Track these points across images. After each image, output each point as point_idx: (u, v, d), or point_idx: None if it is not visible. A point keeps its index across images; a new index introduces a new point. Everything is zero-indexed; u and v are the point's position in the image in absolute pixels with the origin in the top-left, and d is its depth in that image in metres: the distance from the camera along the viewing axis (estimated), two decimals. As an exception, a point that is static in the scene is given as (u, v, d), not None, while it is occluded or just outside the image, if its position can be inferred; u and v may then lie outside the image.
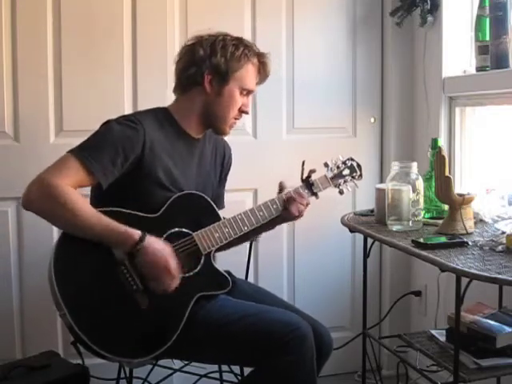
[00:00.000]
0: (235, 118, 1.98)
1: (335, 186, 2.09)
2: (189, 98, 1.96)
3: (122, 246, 1.74)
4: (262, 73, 1.99)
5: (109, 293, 1.76)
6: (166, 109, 1.98)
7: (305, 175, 2.04)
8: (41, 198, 1.72)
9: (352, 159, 2.13)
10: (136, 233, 1.74)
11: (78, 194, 1.74)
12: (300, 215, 2.00)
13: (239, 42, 1.94)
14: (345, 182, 2.10)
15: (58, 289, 1.71)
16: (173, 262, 1.77)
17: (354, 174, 2.12)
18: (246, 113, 2.01)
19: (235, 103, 1.94)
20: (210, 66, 1.89)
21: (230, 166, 2.17)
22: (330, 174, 2.08)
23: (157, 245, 1.77)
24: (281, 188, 2.02)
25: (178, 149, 1.94)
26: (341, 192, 2.11)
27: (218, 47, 1.90)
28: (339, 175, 2.10)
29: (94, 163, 1.76)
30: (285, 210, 1.98)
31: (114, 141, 1.80)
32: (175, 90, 2.00)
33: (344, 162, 2.11)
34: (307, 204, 2.00)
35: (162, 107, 1.99)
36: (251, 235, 2.06)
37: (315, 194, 2.05)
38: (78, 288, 1.74)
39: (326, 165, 2.09)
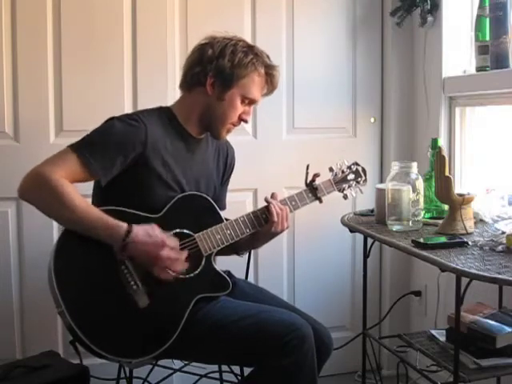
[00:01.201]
0: (233, 124, 1.96)
1: (339, 191, 2.10)
2: (191, 98, 1.95)
3: (112, 241, 1.74)
4: (269, 85, 1.96)
5: (108, 292, 1.76)
6: (168, 108, 1.98)
7: (309, 179, 2.03)
8: (35, 189, 1.73)
9: (357, 164, 2.14)
10: (123, 227, 1.73)
11: (72, 187, 1.73)
12: (278, 217, 1.93)
13: (250, 49, 1.92)
14: (349, 186, 2.11)
15: (56, 286, 1.71)
16: (166, 245, 1.75)
17: (359, 179, 2.13)
18: (246, 121, 1.98)
19: (235, 110, 1.92)
20: (215, 68, 1.88)
21: (233, 166, 2.17)
22: (334, 179, 2.08)
23: (143, 234, 1.74)
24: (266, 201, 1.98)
25: (180, 148, 1.94)
26: (345, 197, 2.11)
27: (228, 51, 1.88)
28: (344, 180, 2.10)
29: (93, 161, 1.76)
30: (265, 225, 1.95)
31: (115, 139, 1.80)
32: (180, 86, 1.99)
33: (349, 167, 2.12)
34: (286, 213, 1.96)
35: (164, 106, 1.99)
36: (248, 245, 2.05)
37: (319, 199, 2.05)
38: (78, 286, 1.74)
39: (331, 169, 2.09)
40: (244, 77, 1.90)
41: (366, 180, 2.15)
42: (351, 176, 2.11)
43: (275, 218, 1.93)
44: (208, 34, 1.94)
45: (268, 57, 1.96)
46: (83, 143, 1.79)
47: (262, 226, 1.95)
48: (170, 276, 1.79)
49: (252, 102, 1.95)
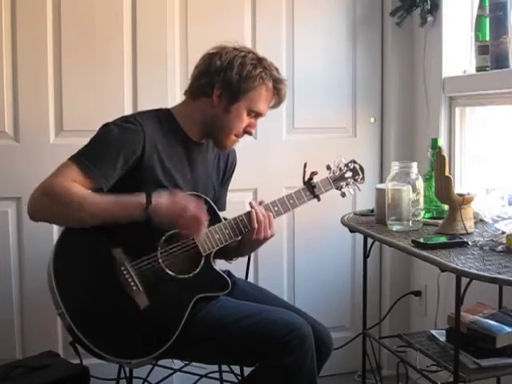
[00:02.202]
0: (237, 136, 1.95)
1: (337, 189, 2.09)
2: (195, 106, 1.94)
3: (136, 216, 1.73)
4: (276, 98, 1.95)
5: (108, 293, 1.76)
6: (168, 110, 1.97)
7: (307, 177, 2.03)
8: (45, 203, 1.72)
9: (354, 162, 2.13)
10: (141, 198, 1.73)
11: (79, 186, 1.73)
12: (263, 235, 1.91)
13: (259, 62, 1.90)
14: (347, 184, 2.10)
15: (56, 287, 1.71)
16: (188, 203, 1.75)
17: (357, 177, 2.12)
18: (250, 134, 1.97)
19: (240, 122, 1.91)
20: (223, 80, 1.87)
21: (234, 167, 2.16)
22: (332, 177, 2.07)
23: (164, 198, 1.74)
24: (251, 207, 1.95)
25: (178, 150, 1.93)
26: (343, 195, 2.11)
27: (236, 63, 1.86)
28: (341, 178, 2.09)
29: (94, 169, 1.75)
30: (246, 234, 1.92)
31: (114, 145, 1.80)
32: (185, 93, 1.98)
33: (346, 165, 2.11)
34: (269, 222, 1.92)
35: (164, 108, 1.98)
36: (244, 250, 2.04)
37: (317, 197, 2.04)
38: (77, 287, 1.74)
39: (329, 167, 2.08)
40: (251, 90, 1.88)
41: (363, 178, 2.14)
42: (349, 174, 2.10)
43: (255, 225, 1.89)
44: (218, 44, 1.92)
45: (277, 70, 1.94)
46: (83, 153, 1.79)
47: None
48: (201, 234, 1.79)
49: (258, 114, 1.94)
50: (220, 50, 1.91)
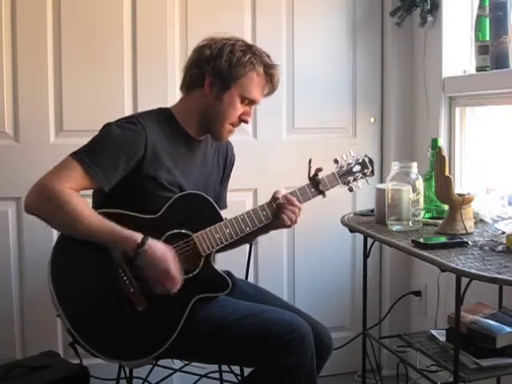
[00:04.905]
0: (233, 125, 1.94)
1: (344, 184, 2.05)
2: (190, 99, 1.94)
3: (124, 249, 1.74)
4: (269, 84, 1.93)
5: (106, 294, 1.76)
6: (168, 109, 1.97)
7: (312, 173, 1.99)
8: (41, 202, 1.72)
9: (365, 155, 2.10)
10: (137, 236, 1.74)
11: (79, 197, 1.73)
12: (292, 223, 1.95)
13: (248, 48, 1.90)
14: (355, 179, 2.06)
15: (53, 289, 1.71)
16: (173, 265, 1.76)
17: (366, 171, 2.07)
18: (246, 122, 1.95)
19: (234, 110, 1.90)
20: (213, 68, 1.86)
21: (233, 162, 2.15)
22: (339, 171, 2.03)
23: (158, 248, 1.75)
24: (274, 196, 1.96)
25: (179, 150, 1.93)
26: (350, 189, 2.07)
27: (226, 51, 1.86)
28: (349, 172, 2.05)
29: (96, 169, 1.75)
30: (276, 219, 1.94)
31: (116, 145, 1.79)
32: (181, 88, 1.98)
33: (356, 159, 2.07)
34: (299, 210, 1.95)
35: (164, 108, 1.98)
36: (248, 238, 2.03)
37: (322, 193, 1.99)
38: (75, 289, 1.74)
39: (336, 161, 2.04)
40: (242, 76, 1.87)
41: (372, 171, 2.09)
42: (357, 168, 2.06)
43: (288, 223, 1.93)
44: (208, 36, 1.94)
45: (268, 56, 1.93)
46: (84, 151, 1.78)
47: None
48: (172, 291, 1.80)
49: (252, 102, 1.93)
50: (209, 41, 1.91)
